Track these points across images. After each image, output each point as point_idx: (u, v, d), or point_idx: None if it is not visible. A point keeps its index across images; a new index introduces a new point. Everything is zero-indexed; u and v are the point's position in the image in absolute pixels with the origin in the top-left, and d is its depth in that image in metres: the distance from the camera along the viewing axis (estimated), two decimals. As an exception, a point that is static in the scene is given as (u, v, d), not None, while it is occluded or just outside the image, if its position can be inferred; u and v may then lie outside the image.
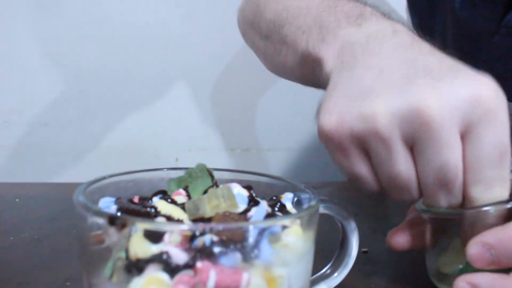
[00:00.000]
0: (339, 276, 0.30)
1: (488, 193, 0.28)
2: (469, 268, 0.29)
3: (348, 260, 0.30)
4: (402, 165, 0.29)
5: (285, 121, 0.94)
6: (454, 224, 0.31)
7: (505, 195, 0.28)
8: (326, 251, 0.31)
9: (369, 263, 0.39)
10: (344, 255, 0.30)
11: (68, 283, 0.35)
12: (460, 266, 0.30)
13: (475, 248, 0.28)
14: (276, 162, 0.95)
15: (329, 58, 0.34)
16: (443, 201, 0.29)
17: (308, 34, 0.38)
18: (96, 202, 0.26)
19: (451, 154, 0.27)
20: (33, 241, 0.43)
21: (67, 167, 0.89)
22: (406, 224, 0.34)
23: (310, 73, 0.38)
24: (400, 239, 0.34)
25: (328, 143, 0.30)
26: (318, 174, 0.96)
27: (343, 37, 0.34)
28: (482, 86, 0.28)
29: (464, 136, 0.28)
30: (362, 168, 0.30)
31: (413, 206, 0.35)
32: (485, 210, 0.29)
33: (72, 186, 0.26)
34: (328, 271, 0.30)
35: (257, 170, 0.32)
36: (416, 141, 0.28)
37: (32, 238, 0.44)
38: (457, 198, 0.29)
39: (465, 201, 0.29)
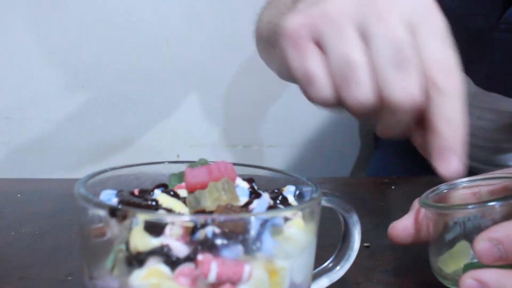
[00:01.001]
0: (341, 270, 0.30)
1: (448, 75, 0.28)
2: (473, 264, 0.29)
3: (350, 254, 0.30)
4: (353, 45, 0.28)
5: (286, 117, 0.94)
6: (457, 219, 0.31)
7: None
8: (328, 245, 0.30)
9: (371, 258, 0.39)
10: (346, 249, 0.30)
11: (69, 278, 0.35)
12: (461, 266, 0.30)
13: (482, 243, 0.27)
14: (277, 158, 0.95)
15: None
16: (400, 84, 0.28)
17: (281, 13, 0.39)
18: (97, 194, 0.25)
19: (399, 31, 0.28)
20: (34, 236, 0.43)
21: (68, 163, 0.89)
22: (409, 217, 0.34)
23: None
24: (402, 232, 0.33)
25: (288, 41, 0.30)
26: (319, 170, 0.96)
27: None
28: None
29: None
30: (315, 63, 0.30)
31: (417, 199, 0.35)
32: (491, 206, 0.28)
33: (73, 182, 0.25)
34: (330, 265, 0.30)
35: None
36: (365, 26, 0.28)
37: (33, 233, 0.44)
38: (414, 80, 0.28)
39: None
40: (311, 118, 0.94)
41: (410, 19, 0.28)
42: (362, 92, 0.28)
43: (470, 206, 0.29)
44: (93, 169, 0.28)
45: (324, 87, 0.29)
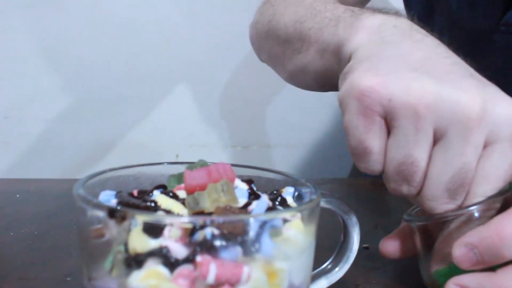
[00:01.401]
0: (340, 271, 0.30)
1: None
2: (453, 270, 0.29)
3: (349, 255, 0.30)
4: (423, 151, 0.28)
5: (286, 118, 0.94)
6: (441, 230, 0.31)
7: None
8: (327, 246, 0.30)
9: (370, 259, 0.39)
10: (345, 250, 0.30)
11: (68, 278, 0.35)
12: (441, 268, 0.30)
13: (459, 249, 0.28)
14: (276, 159, 0.95)
15: (358, 37, 0.33)
16: (443, 208, 0.29)
17: (336, 21, 0.37)
18: (96, 195, 0.25)
19: (472, 158, 0.27)
20: (33, 237, 0.43)
21: (67, 163, 0.89)
22: (396, 233, 0.35)
23: (331, 61, 0.37)
24: (391, 248, 0.34)
25: (356, 102, 0.28)
26: (319, 171, 0.96)
27: (378, 18, 0.33)
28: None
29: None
30: (376, 141, 0.29)
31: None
32: (470, 211, 0.28)
33: (72, 182, 0.25)
34: (329, 266, 0.30)
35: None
36: (445, 131, 0.27)
37: (32, 233, 0.44)
38: (457, 205, 0.29)
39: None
40: (311, 119, 0.94)
41: (491, 137, 0.28)
42: (409, 190, 0.29)
43: (449, 214, 0.29)
44: (92, 170, 0.28)
45: (375, 164, 0.30)
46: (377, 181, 0.65)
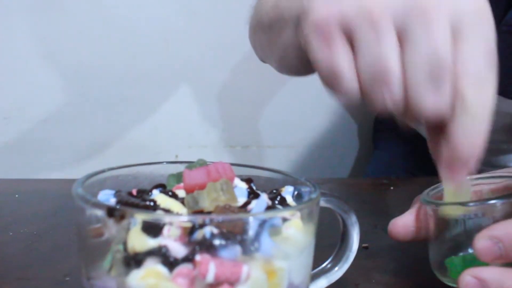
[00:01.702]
0: (340, 270, 0.30)
1: (479, 93, 0.27)
2: (468, 261, 0.28)
3: (349, 255, 0.30)
4: (390, 49, 0.27)
5: (285, 118, 0.94)
6: (458, 217, 0.30)
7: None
8: (327, 245, 0.30)
9: (369, 258, 0.39)
10: (345, 250, 0.30)
11: (67, 278, 0.35)
12: (461, 254, 0.30)
13: (482, 242, 0.27)
14: (276, 159, 0.95)
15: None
16: (431, 100, 0.27)
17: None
18: (95, 195, 0.25)
19: (443, 42, 0.26)
20: (32, 237, 0.43)
21: (66, 163, 0.89)
22: (409, 214, 0.34)
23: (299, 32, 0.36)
24: (402, 229, 0.33)
25: (315, 29, 0.28)
26: (318, 171, 0.96)
27: None
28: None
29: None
30: (343, 59, 0.28)
31: (418, 197, 0.34)
32: (492, 204, 0.28)
33: (71, 182, 0.25)
34: (329, 266, 0.30)
35: (257, 167, 0.31)
36: (406, 27, 0.27)
37: (31, 233, 0.44)
38: (445, 97, 0.27)
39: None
40: (310, 119, 0.94)
41: (457, 24, 0.27)
42: (390, 97, 0.27)
43: (471, 204, 0.29)
44: (91, 169, 0.28)
45: (350, 84, 0.28)
46: (377, 181, 0.65)
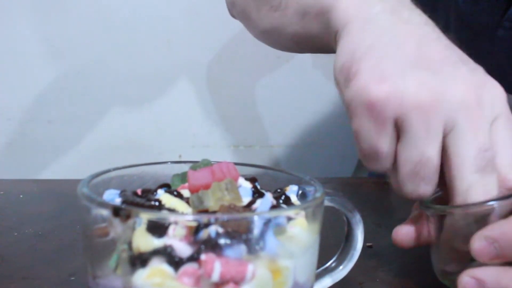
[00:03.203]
0: (344, 269, 0.30)
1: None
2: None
3: (353, 253, 0.30)
4: (435, 148, 0.29)
5: (288, 117, 0.94)
6: (458, 220, 0.30)
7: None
8: (331, 244, 0.30)
9: (374, 257, 0.39)
10: (349, 248, 0.30)
11: (72, 278, 0.35)
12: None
13: (478, 242, 0.27)
14: (279, 159, 0.95)
15: (345, 6, 0.33)
16: (480, 188, 0.29)
17: None
18: (100, 194, 0.26)
19: (485, 137, 0.29)
20: (37, 237, 0.43)
21: (70, 164, 0.89)
22: (411, 221, 0.34)
23: (314, 25, 0.36)
24: (405, 237, 0.33)
25: (367, 110, 0.29)
26: (322, 170, 0.96)
27: None
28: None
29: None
30: (387, 144, 0.29)
31: (417, 203, 0.34)
32: (490, 205, 0.28)
33: (76, 182, 0.25)
34: (333, 264, 0.30)
35: (261, 167, 0.31)
36: (455, 125, 0.29)
37: (36, 233, 0.44)
38: (493, 185, 0.29)
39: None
40: (313, 118, 0.94)
41: (494, 116, 0.29)
42: (426, 189, 0.30)
43: (470, 207, 0.29)
44: (95, 170, 0.28)
45: (386, 164, 0.30)
46: (380, 181, 0.65)
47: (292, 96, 0.92)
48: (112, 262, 0.23)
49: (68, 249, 0.40)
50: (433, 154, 0.29)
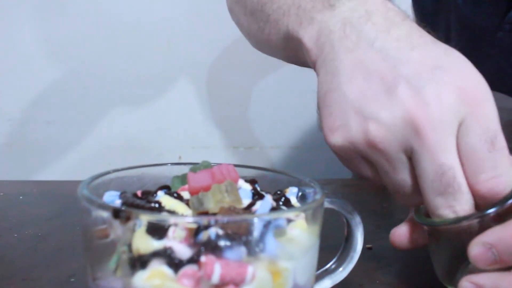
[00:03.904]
0: (344, 271, 0.30)
1: (493, 181, 0.28)
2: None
3: (353, 255, 0.30)
4: (404, 174, 0.30)
5: (288, 119, 0.94)
6: (452, 233, 0.30)
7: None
8: (331, 246, 0.30)
9: (373, 259, 0.39)
10: (349, 250, 0.30)
11: (72, 279, 0.35)
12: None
13: (476, 248, 0.27)
14: (279, 160, 0.95)
15: (309, 44, 0.34)
16: (446, 210, 0.29)
17: (287, 16, 0.37)
18: (100, 196, 0.26)
19: (445, 157, 0.28)
20: (37, 238, 0.43)
21: (70, 165, 0.89)
22: (408, 222, 0.34)
23: (294, 54, 0.38)
24: (402, 238, 0.34)
25: (337, 155, 0.32)
26: (321, 172, 0.96)
27: (319, 22, 0.34)
28: (464, 82, 0.29)
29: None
30: (368, 172, 0.32)
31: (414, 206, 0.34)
32: (486, 214, 0.28)
33: (75, 184, 0.25)
34: (333, 266, 0.30)
35: (260, 168, 0.31)
36: (412, 150, 0.29)
37: (36, 235, 0.44)
38: (461, 204, 0.29)
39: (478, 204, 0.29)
40: (313, 120, 0.94)
41: (459, 121, 0.28)
42: (414, 203, 0.31)
43: (464, 221, 0.29)
44: (95, 171, 0.28)
45: (378, 184, 0.32)
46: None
47: (292, 97, 0.92)
48: (112, 263, 0.23)
49: (68, 250, 0.40)
50: (405, 179, 0.30)
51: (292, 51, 0.38)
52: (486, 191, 0.28)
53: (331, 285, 0.30)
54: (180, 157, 0.92)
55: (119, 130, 0.90)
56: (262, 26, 0.42)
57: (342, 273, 0.30)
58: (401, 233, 0.34)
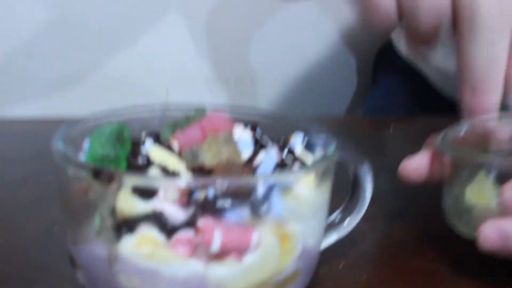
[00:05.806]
0: (351, 224, 0.27)
1: None
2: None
3: (361, 207, 0.27)
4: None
5: (280, 52, 0.90)
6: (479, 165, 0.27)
7: None
8: (336, 202, 0.27)
9: (372, 205, 0.37)
10: (356, 202, 0.27)
11: (56, 226, 0.33)
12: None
13: (511, 193, 0.24)
14: (269, 95, 0.92)
15: None
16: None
17: None
18: (78, 148, 0.22)
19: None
20: (17, 182, 0.40)
21: (51, 100, 0.85)
22: (422, 156, 0.30)
23: None
24: (415, 172, 0.30)
25: None
26: (313, 107, 0.93)
27: None
28: None
29: None
30: None
31: (432, 138, 0.31)
32: None
33: (58, 123, 0.22)
34: (338, 219, 0.27)
35: (251, 103, 0.28)
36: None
37: (15, 179, 0.41)
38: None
39: None
40: (305, 51, 0.90)
41: None
42: (427, 30, 0.28)
43: (496, 158, 0.26)
44: (79, 107, 0.24)
45: (391, 9, 0.28)
46: (375, 120, 0.62)
47: (285, 31, 0.88)
48: (94, 224, 0.20)
49: (51, 195, 0.36)
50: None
51: None
52: None
53: (336, 239, 0.28)
54: (167, 90, 0.88)
55: (104, 64, 0.86)
56: None
57: (348, 226, 0.27)
58: (413, 166, 0.30)
